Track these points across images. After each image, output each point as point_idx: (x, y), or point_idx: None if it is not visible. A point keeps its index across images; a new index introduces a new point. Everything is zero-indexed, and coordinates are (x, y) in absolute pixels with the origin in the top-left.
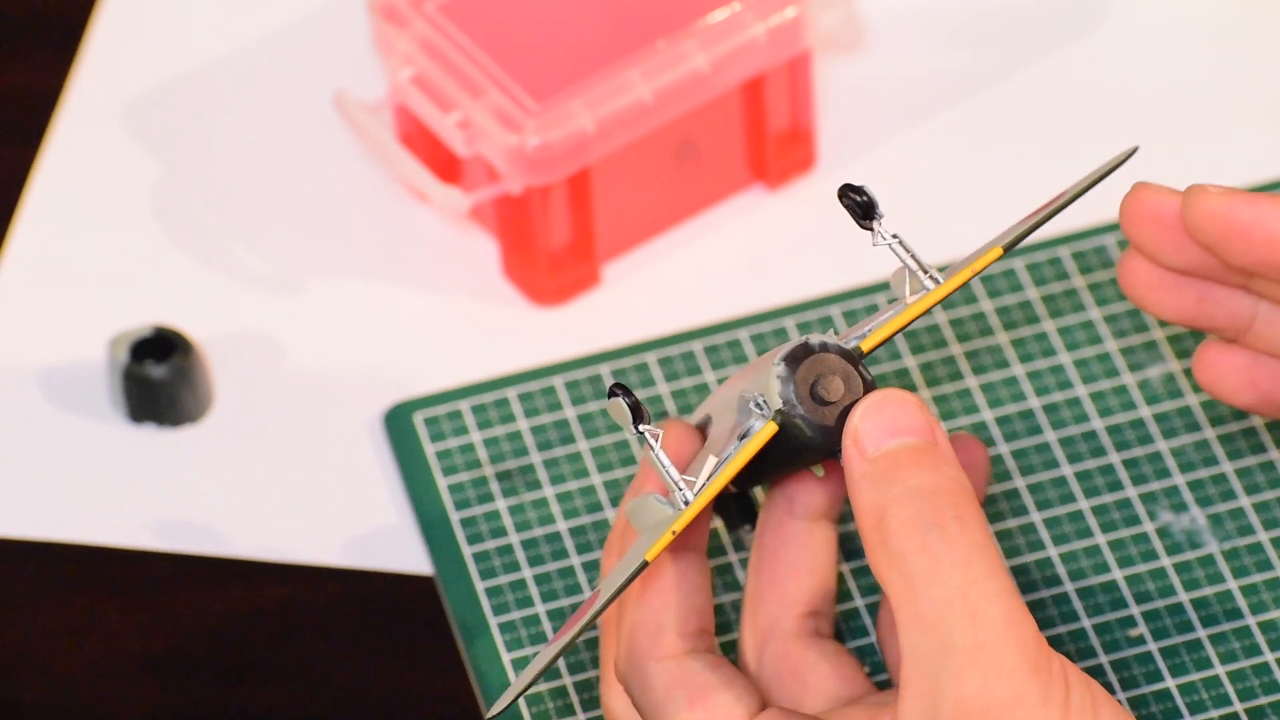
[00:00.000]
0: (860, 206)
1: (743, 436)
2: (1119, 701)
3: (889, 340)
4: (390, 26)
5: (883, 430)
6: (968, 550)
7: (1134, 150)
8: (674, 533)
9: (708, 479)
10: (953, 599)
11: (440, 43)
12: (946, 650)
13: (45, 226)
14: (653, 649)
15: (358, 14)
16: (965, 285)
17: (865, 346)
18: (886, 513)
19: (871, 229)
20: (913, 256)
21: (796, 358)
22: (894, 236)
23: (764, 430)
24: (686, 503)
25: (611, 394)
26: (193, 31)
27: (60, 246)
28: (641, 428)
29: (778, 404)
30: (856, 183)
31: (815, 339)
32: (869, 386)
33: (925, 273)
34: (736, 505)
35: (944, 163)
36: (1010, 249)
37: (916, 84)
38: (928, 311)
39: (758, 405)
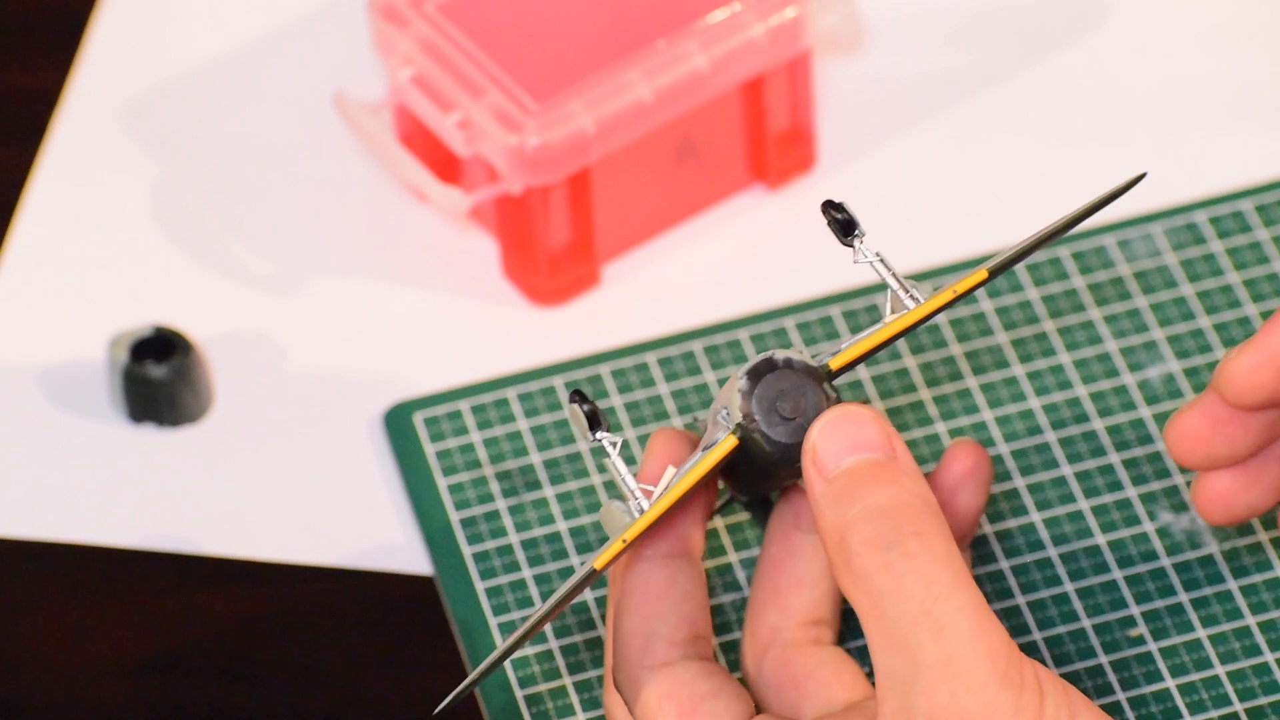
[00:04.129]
0: (840, 224)
1: (707, 447)
2: (1118, 705)
3: (867, 358)
4: (390, 26)
5: (840, 447)
6: (930, 565)
7: (1141, 177)
8: (625, 541)
9: (665, 488)
10: (918, 616)
11: (440, 43)
12: (915, 667)
13: (45, 226)
14: (644, 657)
15: (358, 14)
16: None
17: (835, 364)
18: (847, 533)
19: (852, 246)
20: (894, 275)
21: (759, 372)
22: (875, 254)
23: (724, 442)
24: (641, 511)
25: (570, 401)
26: (193, 31)
27: (60, 246)
28: (599, 435)
29: (738, 417)
30: (838, 199)
31: (780, 354)
32: (832, 404)
33: (906, 292)
34: (763, 512)
35: (944, 163)
36: (997, 274)
37: (916, 84)
38: (910, 331)
39: (724, 417)
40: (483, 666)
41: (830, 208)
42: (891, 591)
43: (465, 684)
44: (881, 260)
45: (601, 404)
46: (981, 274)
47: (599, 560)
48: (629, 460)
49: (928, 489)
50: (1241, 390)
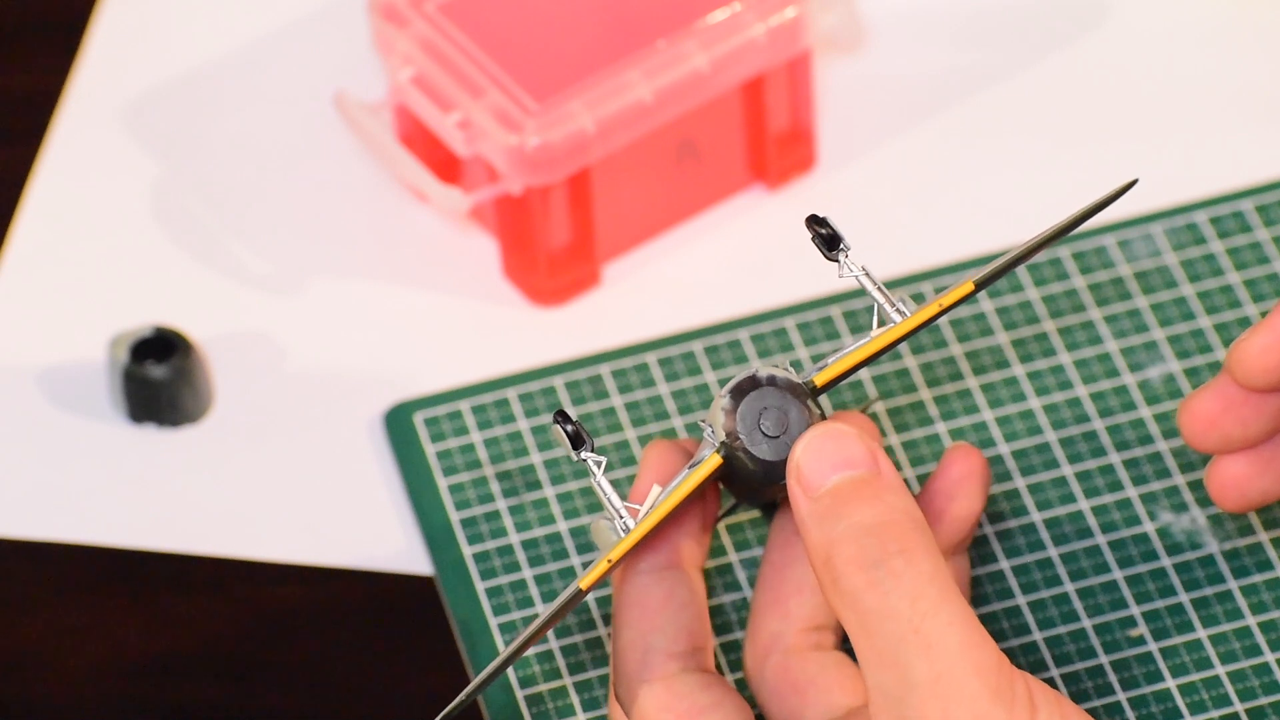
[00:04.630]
0: (824, 239)
1: (694, 465)
2: (1118, 705)
3: (852, 373)
4: (390, 26)
5: (824, 465)
6: (915, 582)
7: (1132, 183)
8: (610, 562)
9: (649, 508)
10: (905, 633)
11: (440, 43)
12: (906, 684)
13: (45, 226)
14: (642, 671)
15: (358, 14)
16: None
17: (820, 380)
18: (833, 551)
19: (837, 261)
20: (879, 289)
21: (743, 390)
22: (861, 269)
23: (708, 461)
24: (627, 530)
25: (554, 421)
26: (193, 31)
27: (60, 246)
28: (584, 454)
29: (721, 435)
30: (821, 214)
31: (764, 371)
32: (816, 421)
33: (892, 305)
34: (770, 514)
35: (944, 163)
36: (983, 287)
37: (916, 84)
38: (895, 345)
39: (710, 435)
40: (469, 688)
41: (814, 223)
42: (879, 609)
43: (450, 708)
44: (867, 274)
45: (601, 404)
46: (968, 286)
47: (584, 581)
48: (631, 460)
49: (913, 504)
50: (1253, 371)
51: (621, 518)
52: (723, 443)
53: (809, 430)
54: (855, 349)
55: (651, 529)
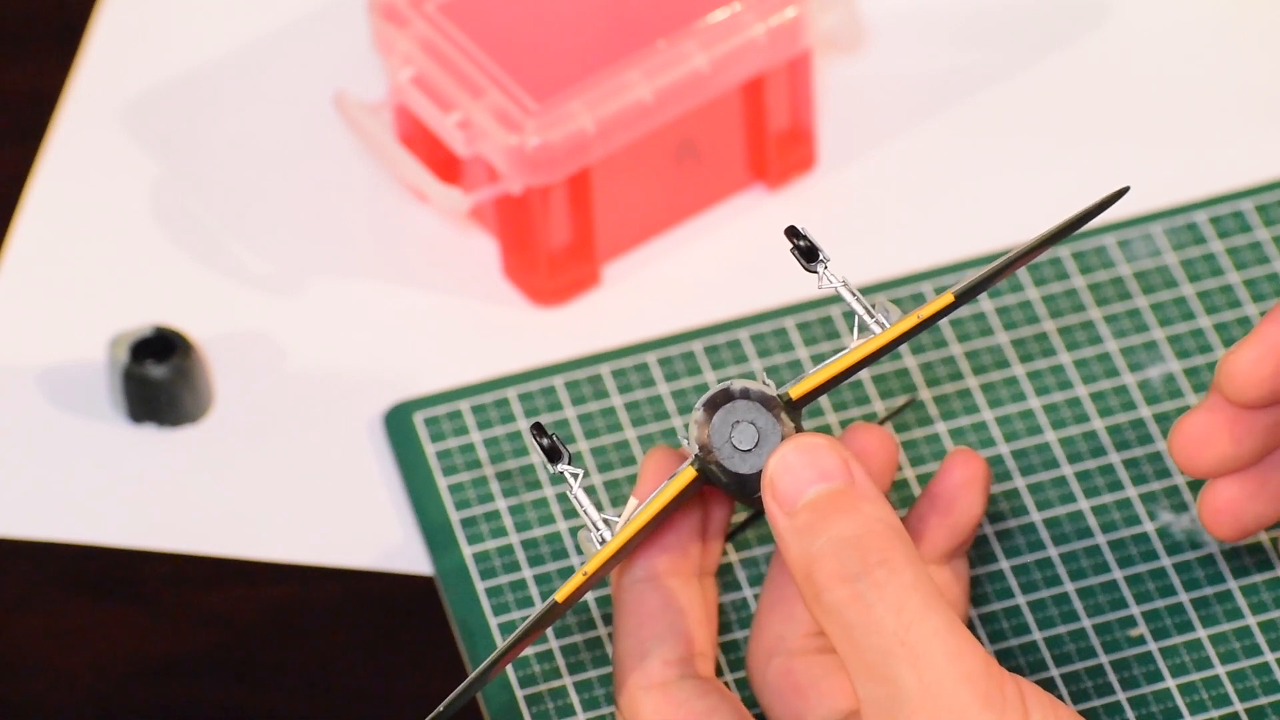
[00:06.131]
0: (803, 251)
1: (672, 477)
2: (1118, 705)
3: (830, 387)
4: (390, 26)
5: (799, 479)
6: (898, 593)
7: (1124, 191)
8: (585, 574)
9: (626, 519)
10: (892, 646)
11: (440, 43)
12: (896, 697)
13: (45, 226)
14: (639, 678)
15: (358, 14)
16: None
17: (796, 393)
18: (813, 567)
19: (816, 272)
20: (859, 299)
21: (716, 403)
22: (841, 280)
23: (682, 475)
24: (603, 542)
25: (530, 434)
26: (193, 31)
27: (60, 246)
28: (560, 467)
29: (695, 449)
30: (800, 226)
31: (738, 385)
32: (789, 434)
33: (872, 316)
34: None
35: (944, 163)
36: (964, 299)
37: (916, 84)
38: (875, 358)
39: (687, 447)
40: (445, 702)
41: (792, 235)
42: (864, 623)
43: (431, 717)
44: (846, 286)
45: (601, 404)
46: (947, 298)
47: (561, 593)
48: (631, 460)
49: (891, 512)
50: (1244, 385)
51: (598, 530)
52: (697, 456)
53: (782, 444)
54: (833, 361)
55: (626, 543)
